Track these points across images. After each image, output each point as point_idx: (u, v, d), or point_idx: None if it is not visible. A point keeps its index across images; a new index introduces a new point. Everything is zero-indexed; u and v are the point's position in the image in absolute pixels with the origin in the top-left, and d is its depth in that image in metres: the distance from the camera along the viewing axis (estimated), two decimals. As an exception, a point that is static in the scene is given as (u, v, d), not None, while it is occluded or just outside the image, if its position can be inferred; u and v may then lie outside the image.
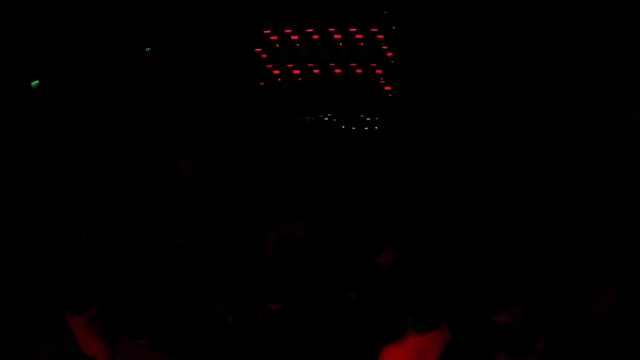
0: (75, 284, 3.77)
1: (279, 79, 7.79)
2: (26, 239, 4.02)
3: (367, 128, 6.83)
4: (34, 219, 4.31)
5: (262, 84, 7.83)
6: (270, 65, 7.71)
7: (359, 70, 7.69)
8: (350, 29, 7.46)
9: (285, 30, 7.49)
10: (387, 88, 7.77)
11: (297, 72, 7.75)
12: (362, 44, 7.56)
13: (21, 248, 3.93)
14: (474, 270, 4.09)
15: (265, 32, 7.49)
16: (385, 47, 7.54)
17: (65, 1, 4.69)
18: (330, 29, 7.48)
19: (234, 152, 6.33)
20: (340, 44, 7.56)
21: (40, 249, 3.95)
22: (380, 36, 7.49)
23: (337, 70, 7.74)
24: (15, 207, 4.35)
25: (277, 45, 7.59)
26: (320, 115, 7.23)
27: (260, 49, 7.60)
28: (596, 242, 4.15)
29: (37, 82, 4.80)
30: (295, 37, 7.52)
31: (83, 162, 4.96)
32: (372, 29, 7.45)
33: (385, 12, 7.25)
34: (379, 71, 7.68)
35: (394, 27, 7.39)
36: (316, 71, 7.73)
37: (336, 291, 3.72)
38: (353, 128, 6.63)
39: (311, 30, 7.48)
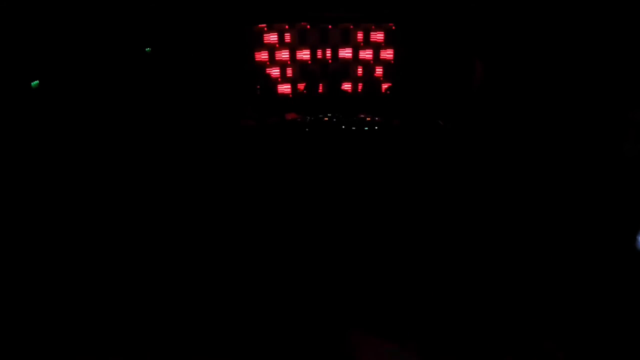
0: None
1: (279, 79, 7.79)
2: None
3: (367, 128, 6.81)
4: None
5: (259, 86, 7.82)
6: (269, 64, 7.71)
7: (360, 71, 7.72)
8: (351, 27, 7.48)
9: (285, 29, 7.49)
10: (386, 88, 7.77)
11: (295, 72, 7.76)
12: (362, 43, 7.57)
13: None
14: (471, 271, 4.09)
15: (263, 30, 7.49)
16: (385, 47, 7.54)
17: (65, 1, 4.70)
18: (330, 27, 7.49)
19: (232, 151, 6.35)
20: (340, 42, 7.57)
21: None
22: (380, 35, 7.50)
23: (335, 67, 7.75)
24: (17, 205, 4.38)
25: (276, 45, 7.59)
26: (321, 115, 7.21)
27: (259, 48, 7.61)
28: (594, 241, 4.15)
29: (37, 82, 4.80)
30: (294, 36, 7.53)
31: (82, 160, 4.97)
32: (373, 28, 7.46)
33: (384, 12, 7.25)
34: (379, 71, 7.69)
35: (393, 27, 7.39)
36: (315, 71, 7.73)
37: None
38: (353, 128, 6.61)
39: (310, 28, 7.49)
